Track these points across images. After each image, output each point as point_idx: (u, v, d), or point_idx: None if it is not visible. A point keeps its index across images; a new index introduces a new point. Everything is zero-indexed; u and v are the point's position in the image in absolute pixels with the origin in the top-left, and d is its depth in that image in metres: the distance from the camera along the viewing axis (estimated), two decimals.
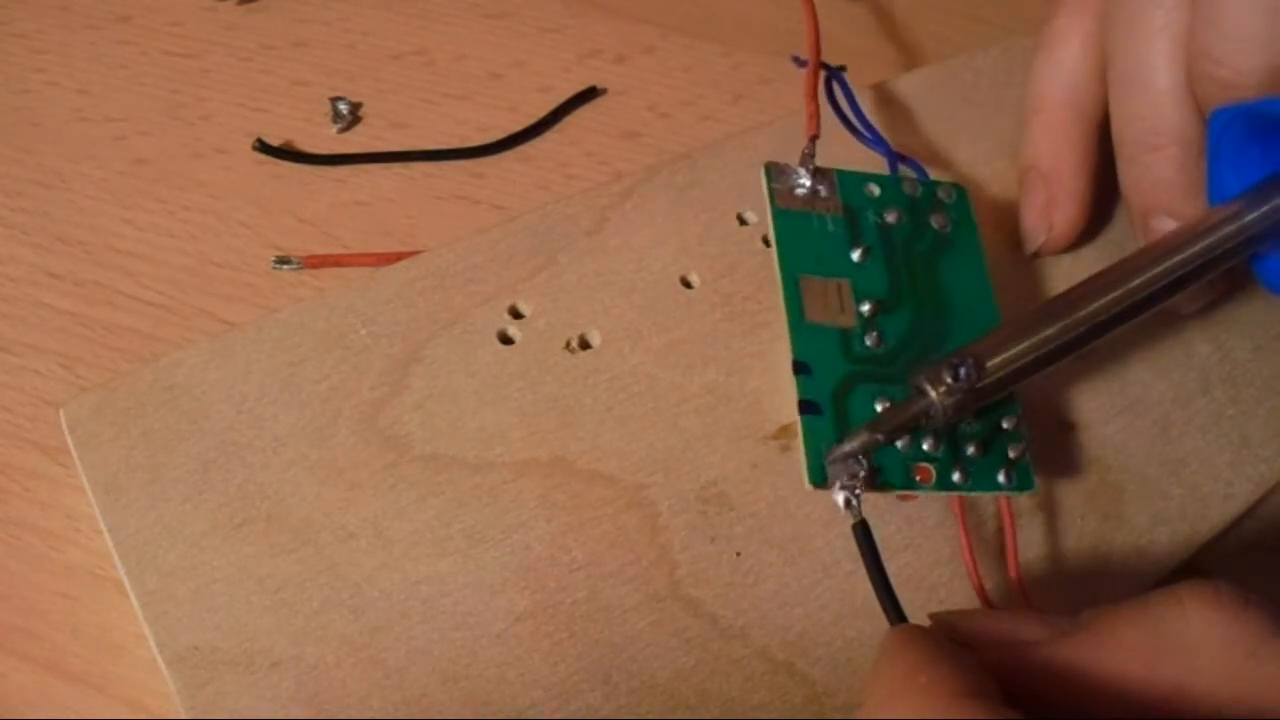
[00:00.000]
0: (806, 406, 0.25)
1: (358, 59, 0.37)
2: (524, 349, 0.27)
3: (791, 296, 0.26)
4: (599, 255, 0.28)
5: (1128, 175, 0.29)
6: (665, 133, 0.36)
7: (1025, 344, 0.25)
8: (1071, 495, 0.28)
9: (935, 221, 0.28)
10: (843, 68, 0.30)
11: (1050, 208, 0.30)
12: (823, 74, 0.29)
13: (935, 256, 0.28)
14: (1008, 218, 0.31)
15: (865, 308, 0.26)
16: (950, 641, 0.21)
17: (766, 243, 0.29)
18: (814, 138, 0.27)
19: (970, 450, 0.25)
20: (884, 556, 0.23)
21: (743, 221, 0.29)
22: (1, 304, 0.30)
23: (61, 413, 0.25)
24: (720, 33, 0.39)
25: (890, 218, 0.28)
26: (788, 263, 0.26)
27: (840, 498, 0.24)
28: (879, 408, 0.25)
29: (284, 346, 0.26)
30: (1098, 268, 0.31)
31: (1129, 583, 0.28)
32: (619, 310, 0.28)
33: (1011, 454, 0.26)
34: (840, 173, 0.28)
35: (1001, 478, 0.25)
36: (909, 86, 0.33)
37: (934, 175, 0.29)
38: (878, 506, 0.26)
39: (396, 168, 0.34)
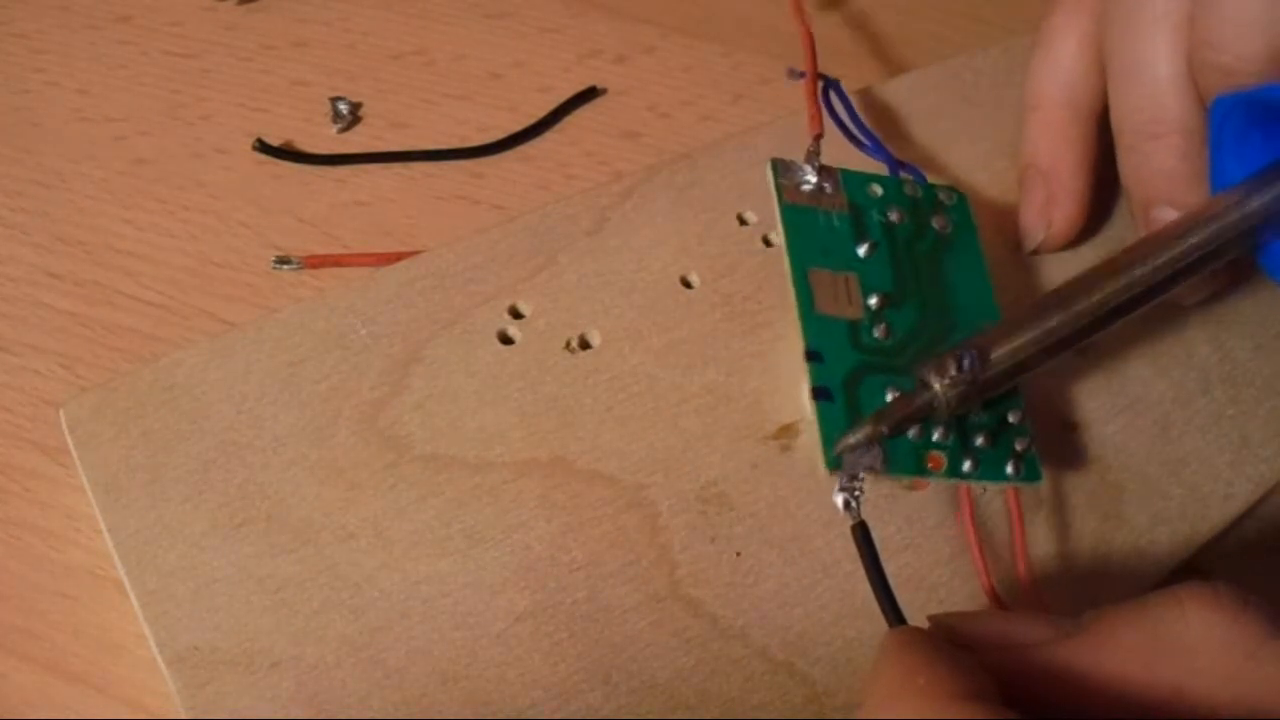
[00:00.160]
0: (820, 393, 0.25)
1: (358, 59, 0.37)
2: (524, 349, 0.27)
3: (802, 287, 0.26)
4: (599, 255, 0.28)
5: (1128, 165, 0.29)
6: (665, 133, 0.36)
7: (1028, 336, 0.25)
8: (1072, 495, 0.28)
9: (936, 223, 0.28)
10: (838, 80, 0.30)
11: (1049, 206, 0.30)
12: (820, 84, 0.30)
13: (937, 257, 0.28)
14: (1008, 219, 0.31)
15: (873, 301, 0.26)
16: (949, 643, 0.21)
17: (767, 242, 0.29)
18: (818, 136, 0.28)
19: (979, 441, 0.26)
20: (884, 557, 0.23)
21: (743, 221, 0.29)
22: (1, 304, 0.30)
23: (61, 413, 0.25)
24: (720, 33, 0.39)
25: (893, 216, 0.28)
26: (797, 255, 0.26)
27: (839, 499, 0.24)
28: (889, 397, 0.25)
29: (284, 346, 0.26)
30: None
31: (1129, 582, 0.28)
32: (619, 310, 0.28)
33: (1018, 446, 0.26)
34: (844, 172, 0.28)
35: (1009, 469, 0.26)
36: (909, 87, 0.33)
37: (934, 177, 0.29)
38: (878, 507, 0.26)
39: (396, 168, 0.34)
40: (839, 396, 0.25)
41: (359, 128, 0.35)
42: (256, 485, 0.25)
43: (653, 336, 0.28)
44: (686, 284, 0.28)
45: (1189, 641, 0.20)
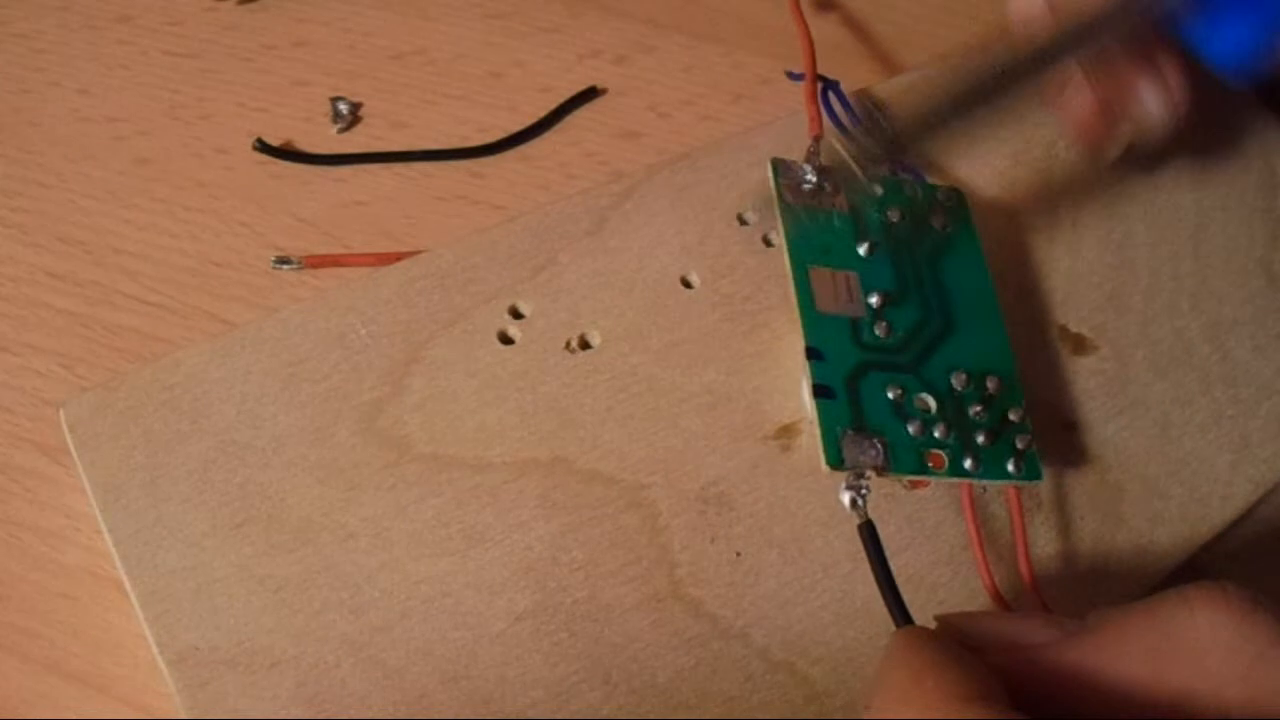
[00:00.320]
0: (821, 391, 0.25)
1: (358, 59, 0.37)
2: (524, 349, 0.27)
3: (802, 286, 0.26)
4: (599, 255, 0.28)
5: None
6: (665, 133, 0.36)
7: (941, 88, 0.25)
8: (1072, 495, 0.28)
9: (936, 222, 0.28)
10: (837, 81, 0.30)
11: (1069, 98, 0.30)
12: (819, 85, 0.30)
13: (937, 256, 0.28)
14: (1007, 218, 0.31)
15: (873, 300, 0.26)
16: (956, 644, 0.21)
17: (767, 242, 0.29)
18: (818, 137, 0.28)
19: (980, 439, 0.26)
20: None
21: (743, 221, 0.29)
22: (1, 304, 0.30)
23: (61, 413, 0.25)
24: (720, 33, 0.39)
25: (894, 216, 0.28)
26: (797, 253, 0.26)
27: (846, 497, 0.24)
28: (890, 396, 0.25)
29: (284, 346, 0.26)
30: (1099, 266, 0.31)
31: (1129, 582, 0.28)
32: (619, 310, 0.28)
33: (1019, 444, 0.26)
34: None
35: (1010, 467, 0.26)
36: (909, 87, 0.33)
37: (933, 177, 0.29)
38: (878, 507, 0.26)
39: (396, 168, 0.34)
40: (840, 394, 0.25)
41: (359, 128, 0.35)
42: (256, 485, 0.25)
43: (653, 336, 0.28)
44: (686, 284, 0.28)
45: (1198, 643, 0.20)
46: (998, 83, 0.26)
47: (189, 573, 0.24)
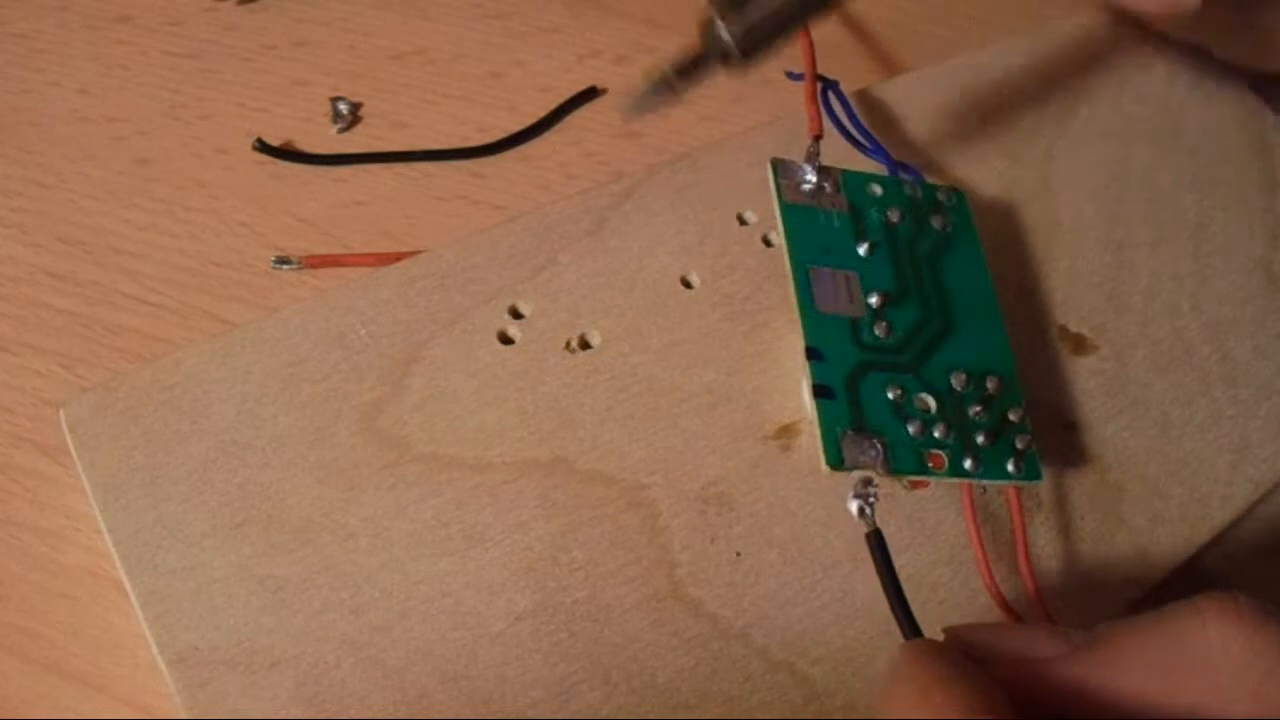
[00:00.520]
0: (821, 391, 0.25)
1: (358, 59, 0.37)
2: (524, 349, 0.27)
3: (802, 286, 0.26)
4: (599, 255, 0.28)
5: None
6: (665, 133, 0.36)
7: None
8: (1072, 495, 0.28)
9: (936, 222, 0.28)
10: (837, 81, 0.30)
11: None
12: (819, 85, 0.30)
13: (938, 256, 0.28)
14: (1007, 218, 0.31)
15: (873, 300, 0.26)
16: (964, 659, 0.20)
17: (767, 242, 0.29)
18: (818, 137, 0.28)
19: (980, 439, 0.26)
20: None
21: (743, 221, 0.29)
22: (1, 304, 0.30)
23: (61, 413, 0.25)
24: None
25: (893, 216, 0.28)
26: (797, 253, 0.26)
27: (854, 506, 0.24)
28: (890, 395, 0.25)
29: (284, 346, 0.26)
30: (1099, 266, 0.31)
31: (1129, 582, 0.28)
32: (619, 310, 0.28)
33: (1019, 445, 0.26)
34: (844, 172, 0.28)
35: (1010, 467, 0.26)
36: (909, 87, 0.33)
37: (934, 177, 0.29)
38: (878, 508, 0.26)
39: (396, 168, 0.34)
40: (840, 394, 0.25)
41: (359, 128, 0.35)
42: (256, 485, 0.25)
43: (653, 336, 0.28)
44: (686, 284, 0.28)
45: (1210, 657, 0.19)
46: None
47: (189, 573, 0.24)
